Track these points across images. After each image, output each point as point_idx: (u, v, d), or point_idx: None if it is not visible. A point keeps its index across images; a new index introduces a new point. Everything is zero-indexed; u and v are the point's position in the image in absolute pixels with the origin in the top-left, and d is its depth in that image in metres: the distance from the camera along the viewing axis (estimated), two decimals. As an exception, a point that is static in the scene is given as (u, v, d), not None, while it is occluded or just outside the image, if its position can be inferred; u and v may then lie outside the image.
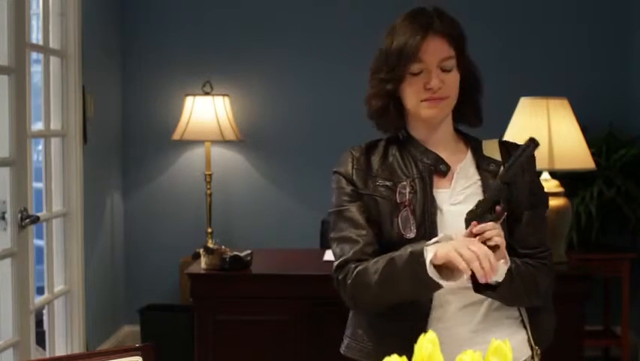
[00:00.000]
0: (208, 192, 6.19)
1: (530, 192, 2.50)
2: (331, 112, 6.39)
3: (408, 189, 2.44)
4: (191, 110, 6.11)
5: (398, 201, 2.43)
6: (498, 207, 2.29)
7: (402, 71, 2.41)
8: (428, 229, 2.39)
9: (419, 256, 2.24)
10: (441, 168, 2.47)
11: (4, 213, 3.79)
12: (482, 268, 2.13)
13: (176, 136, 6.15)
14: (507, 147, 2.56)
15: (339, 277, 2.43)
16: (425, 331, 1.49)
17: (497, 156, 2.52)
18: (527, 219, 2.48)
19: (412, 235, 2.39)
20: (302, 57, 6.43)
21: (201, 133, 6.10)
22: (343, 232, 2.46)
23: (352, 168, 2.51)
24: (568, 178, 5.29)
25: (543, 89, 4.97)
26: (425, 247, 2.24)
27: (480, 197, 2.40)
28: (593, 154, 4.45)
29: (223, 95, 6.21)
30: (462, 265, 2.14)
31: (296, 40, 6.47)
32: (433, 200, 2.43)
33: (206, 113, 6.10)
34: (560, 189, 4.26)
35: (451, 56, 2.43)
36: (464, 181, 2.48)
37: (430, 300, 2.39)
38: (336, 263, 2.46)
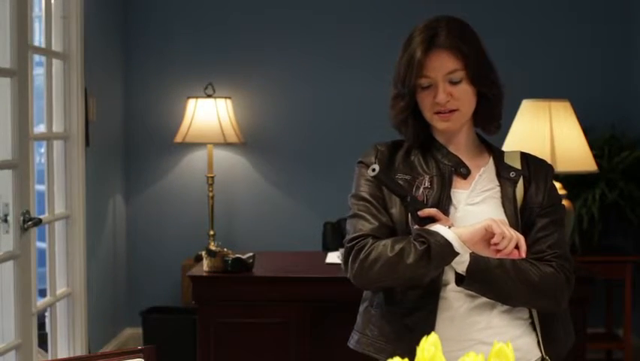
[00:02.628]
0: (210, 194, 6.19)
1: (541, 205, 2.52)
2: (334, 114, 6.39)
3: (425, 184, 2.49)
4: (193, 113, 6.11)
5: (414, 193, 2.46)
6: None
7: (411, 85, 2.44)
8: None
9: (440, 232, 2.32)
10: (461, 171, 2.51)
11: (6, 215, 3.80)
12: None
13: (178, 139, 6.15)
14: (527, 159, 2.59)
15: (355, 249, 2.44)
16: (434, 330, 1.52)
17: (518, 166, 2.55)
18: (539, 227, 2.51)
19: (417, 228, 2.40)
20: (304, 59, 6.43)
21: (203, 135, 6.10)
22: (361, 212, 2.49)
23: (375, 158, 2.54)
24: (570, 181, 5.29)
25: (545, 92, 4.97)
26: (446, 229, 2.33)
27: (498, 202, 2.48)
28: (595, 156, 4.45)
29: (225, 97, 6.21)
30: (498, 230, 2.25)
31: (298, 42, 6.47)
32: (448, 197, 2.46)
33: (209, 115, 6.10)
34: (563, 192, 4.26)
35: (457, 68, 2.42)
36: (484, 184, 2.52)
37: (437, 300, 2.43)
38: (351, 236, 2.47)
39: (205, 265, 4.21)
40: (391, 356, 1.63)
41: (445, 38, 2.44)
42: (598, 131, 5.95)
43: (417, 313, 2.44)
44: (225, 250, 4.26)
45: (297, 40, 6.49)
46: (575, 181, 5.57)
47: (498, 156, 2.58)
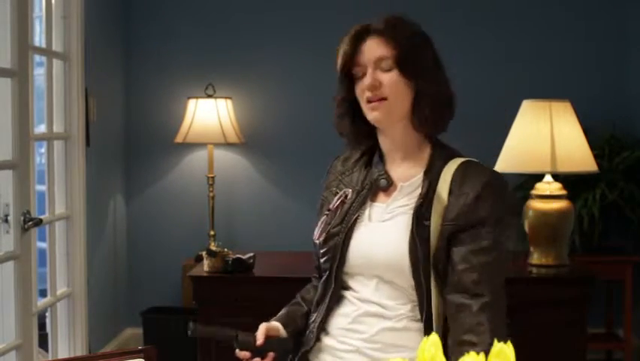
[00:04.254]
0: (211, 194, 6.19)
1: (456, 223, 2.28)
2: (331, 114, 6.38)
3: (341, 198, 2.50)
4: (193, 113, 6.12)
5: (329, 206, 2.52)
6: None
7: (342, 75, 2.43)
8: (339, 239, 2.43)
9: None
10: (380, 183, 2.44)
11: (7, 215, 3.80)
12: None
13: (178, 139, 6.15)
14: (464, 170, 2.35)
15: None
16: None
17: (448, 179, 2.33)
18: (459, 256, 2.26)
19: (319, 240, 2.48)
20: (305, 59, 6.43)
21: (204, 136, 6.11)
22: None
23: (327, 173, 2.64)
24: (570, 181, 5.29)
25: (545, 92, 4.97)
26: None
27: (409, 220, 2.31)
28: (595, 157, 4.45)
29: (225, 97, 6.22)
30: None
31: (299, 42, 6.47)
32: (356, 212, 2.43)
33: (209, 115, 6.10)
34: (563, 192, 4.27)
35: (387, 56, 2.36)
36: (403, 200, 2.39)
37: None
38: None
39: (205, 265, 4.22)
40: None
41: (378, 27, 2.40)
42: (598, 132, 5.94)
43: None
44: (226, 250, 4.26)
45: (297, 40, 6.49)
46: (575, 181, 5.57)
47: (435, 167, 2.39)
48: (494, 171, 2.42)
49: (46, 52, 4.41)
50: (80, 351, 4.63)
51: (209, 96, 6.19)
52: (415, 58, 2.38)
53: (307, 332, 2.54)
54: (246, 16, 6.50)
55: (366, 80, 2.37)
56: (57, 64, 4.53)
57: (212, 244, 5.51)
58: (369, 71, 2.37)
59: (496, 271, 2.27)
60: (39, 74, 4.62)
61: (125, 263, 6.56)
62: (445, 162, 2.39)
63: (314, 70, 6.43)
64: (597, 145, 5.75)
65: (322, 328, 2.49)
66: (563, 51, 6.38)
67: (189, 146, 6.42)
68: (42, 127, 4.55)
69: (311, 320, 2.56)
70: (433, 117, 2.40)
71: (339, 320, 2.46)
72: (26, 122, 3.86)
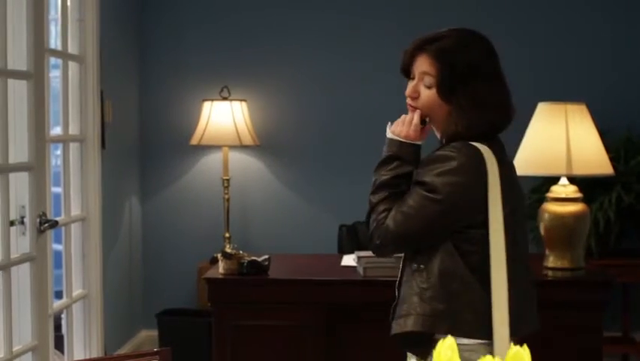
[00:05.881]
0: (226, 196, 6.19)
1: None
2: (349, 116, 6.39)
3: None
4: (208, 115, 6.13)
5: None
6: None
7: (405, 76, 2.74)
8: None
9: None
10: None
11: (23, 217, 3.81)
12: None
13: (193, 141, 6.16)
14: (428, 156, 2.66)
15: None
16: None
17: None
18: None
19: None
20: (319, 62, 6.44)
21: (219, 138, 6.12)
22: None
23: None
24: (586, 184, 5.27)
25: (561, 94, 4.96)
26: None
27: None
28: (611, 159, 4.43)
29: (240, 100, 6.22)
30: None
31: (313, 44, 6.47)
32: None
33: (224, 118, 6.11)
34: (579, 195, 4.25)
35: (429, 72, 2.63)
36: None
37: None
38: None
39: (220, 267, 4.22)
40: None
41: (432, 44, 2.65)
42: (614, 134, 5.92)
43: None
44: (241, 252, 4.26)
45: (312, 42, 6.49)
46: (591, 184, 5.56)
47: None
48: (457, 157, 2.57)
49: (62, 54, 4.42)
50: (96, 353, 4.63)
51: (225, 99, 6.20)
52: (453, 85, 2.61)
53: None
54: (261, 18, 6.50)
55: (407, 88, 2.69)
56: (73, 66, 4.54)
57: (228, 246, 5.51)
58: (414, 82, 2.68)
59: (405, 225, 2.60)
60: (55, 76, 4.63)
61: (141, 265, 6.57)
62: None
63: (329, 72, 6.43)
64: (613, 148, 5.73)
65: None
66: (579, 53, 6.36)
67: (204, 148, 6.43)
68: (58, 129, 4.56)
69: None
70: (463, 130, 2.61)
71: None
72: (42, 124, 3.87)
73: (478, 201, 2.55)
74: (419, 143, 2.69)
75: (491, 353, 2.50)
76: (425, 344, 2.56)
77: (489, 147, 2.60)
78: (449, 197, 2.54)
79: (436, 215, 2.56)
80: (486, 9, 6.33)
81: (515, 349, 1.37)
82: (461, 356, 2.27)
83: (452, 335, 2.23)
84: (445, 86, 2.60)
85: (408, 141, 2.67)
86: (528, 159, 4.30)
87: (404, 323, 2.59)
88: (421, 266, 2.60)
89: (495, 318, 2.52)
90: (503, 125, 2.71)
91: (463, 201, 2.56)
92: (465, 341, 2.51)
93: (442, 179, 2.54)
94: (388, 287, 4.02)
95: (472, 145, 2.57)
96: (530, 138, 4.32)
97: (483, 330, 2.53)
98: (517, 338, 2.53)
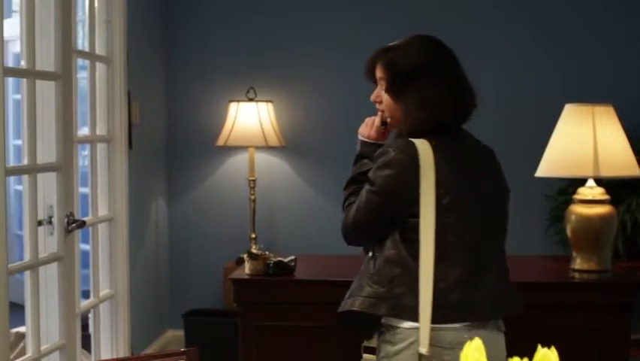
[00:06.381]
0: (252, 197, 6.21)
1: None
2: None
3: None
4: (235, 116, 6.14)
5: None
6: None
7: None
8: None
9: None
10: None
11: (50, 217, 3.83)
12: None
13: (220, 142, 6.17)
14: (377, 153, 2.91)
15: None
16: None
17: None
18: None
19: None
20: (345, 62, 6.43)
21: (245, 139, 6.13)
22: None
23: None
24: (613, 186, 5.24)
25: (588, 96, 4.94)
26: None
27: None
28: (638, 161, 4.40)
29: (267, 101, 6.23)
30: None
31: (339, 45, 6.47)
32: None
33: (250, 119, 6.12)
34: (606, 197, 4.23)
35: (383, 77, 2.94)
36: None
37: None
38: None
39: (247, 267, 4.22)
40: None
41: (385, 52, 2.95)
42: (642, 135, 5.89)
43: None
44: (267, 253, 4.26)
45: (338, 43, 6.49)
46: (618, 186, 5.52)
47: None
48: (392, 152, 2.82)
49: (90, 55, 4.45)
50: (123, 352, 4.66)
51: (251, 100, 6.21)
52: (399, 86, 2.88)
53: None
54: (287, 20, 6.51)
55: (372, 94, 3.04)
56: (100, 67, 4.57)
57: (254, 246, 5.52)
58: (377, 87, 3.00)
59: (355, 216, 2.91)
60: (82, 77, 4.66)
61: (167, 265, 6.60)
62: None
63: (355, 73, 6.41)
64: (640, 149, 5.70)
65: None
66: (606, 55, 6.33)
67: (231, 149, 6.44)
68: (85, 130, 4.59)
69: None
70: (410, 128, 2.85)
71: None
72: (70, 125, 3.90)
73: (413, 192, 2.73)
74: (381, 142, 2.99)
75: (435, 336, 2.69)
76: (368, 324, 2.84)
77: (438, 142, 2.78)
78: (382, 188, 2.80)
79: (375, 206, 2.82)
80: (514, 12, 6.31)
81: (543, 351, 1.37)
82: (402, 339, 2.71)
83: (393, 317, 2.75)
84: (392, 88, 2.89)
85: (371, 141, 3.01)
86: (555, 161, 4.29)
87: (347, 302, 2.88)
88: (376, 254, 2.86)
89: (420, 302, 2.69)
90: (455, 122, 2.90)
91: (397, 193, 2.78)
92: (406, 324, 2.73)
93: (377, 172, 2.81)
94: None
95: (409, 141, 2.79)
96: (557, 140, 4.30)
97: (440, 316, 2.70)
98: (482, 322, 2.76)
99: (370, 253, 2.90)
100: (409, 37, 2.95)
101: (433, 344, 2.67)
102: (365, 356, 2.87)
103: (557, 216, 5.93)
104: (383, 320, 2.79)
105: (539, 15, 6.35)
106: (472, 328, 2.73)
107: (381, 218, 2.82)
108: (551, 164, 4.27)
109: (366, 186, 2.85)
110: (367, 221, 2.86)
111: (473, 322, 2.74)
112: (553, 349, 1.47)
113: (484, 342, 2.14)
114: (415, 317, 2.70)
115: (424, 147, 2.75)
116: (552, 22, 6.36)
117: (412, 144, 2.77)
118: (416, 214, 2.73)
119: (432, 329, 2.68)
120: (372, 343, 2.85)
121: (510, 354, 1.61)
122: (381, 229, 2.83)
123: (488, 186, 2.90)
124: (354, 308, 2.82)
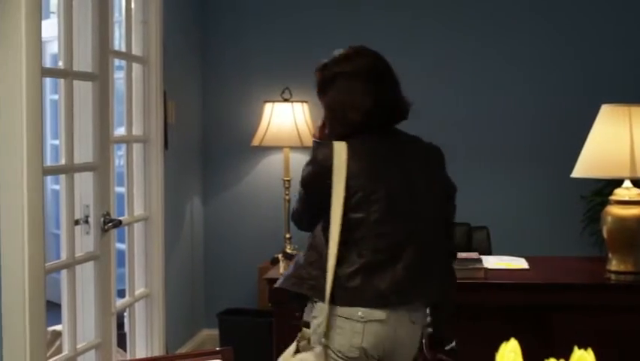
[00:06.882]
0: (286, 197, 6.21)
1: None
2: (410, 117, 6.36)
3: None
4: (270, 117, 6.15)
5: None
6: None
7: None
8: None
9: None
10: None
11: (87, 217, 3.86)
12: None
13: (255, 142, 6.19)
14: None
15: None
16: None
17: None
18: None
19: None
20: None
21: (280, 139, 6.14)
22: None
23: None
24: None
25: (625, 96, 4.91)
26: None
27: None
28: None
29: (302, 101, 6.24)
30: None
31: (373, 45, 6.46)
32: None
33: (285, 119, 6.13)
34: (641, 198, 4.20)
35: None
36: None
37: None
38: None
39: (281, 267, 4.24)
40: None
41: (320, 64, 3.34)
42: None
43: None
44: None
45: (372, 43, 6.47)
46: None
47: None
48: (313, 152, 3.21)
49: (126, 56, 4.47)
50: (158, 351, 4.68)
51: (286, 100, 6.22)
52: (320, 95, 3.27)
53: None
54: (322, 19, 6.51)
55: None
56: (136, 68, 4.59)
57: (288, 246, 5.52)
58: None
59: (294, 206, 3.29)
60: (119, 77, 4.68)
61: (202, 265, 6.62)
62: None
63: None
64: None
65: None
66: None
67: (266, 149, 6.45)
68: (121, 130, 4.61)
69: None
70: (330, 128, 3.24)
71: None
72: (106, 125, 3.93)
73: (327, 188, 3.02)
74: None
75: (346, 311, 3.01)
76: (297, 300, 3.20)
77: (357, 143, 3.09)
78: (303, 183, 3.18)
79: (301, 197, 3.20)
80: (550, 13, 6.28)
81: (580, 352, 1.37)
82: (322, 315, 3.01)
83: (314, 297, 3.09)
84: (318, 93, 3.28)
85: (316, 140, 3.29)
86: (591, 162, 4.26)
87: (280, 281, 3.27)
88: (309, 241, 3.22)
89: (327, 285, 3.01)
90: (367, 124, 3.14)
91: (314, 187, 3.12)
92: (324, 305, 3.02)
93: (303, 169, 3.20)
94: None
95: (326, 143, 3.13)
96: (593, 141, 4.28)
97: (342, 298, 3.00)
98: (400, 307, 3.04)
99: (309, 241, 3.24)
100: (339, 56, 3.42)
101: (338, 325, 3.00)
102: (304, 329, 3.14)
103: (593, 217, 5.90)
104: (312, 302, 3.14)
105: (576, 15, 6.32)
106: (378, 309, 3.01)
107: (308, 209, 3.20)
108: (587, 165, 4.25)
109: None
110: (298, 210, 3.25)
111: (372, 307, 3.00)
112: (590, 351, 1.46)
113: (391, 323, 2.99)
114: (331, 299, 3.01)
115: (339, 148, 3.06)
116: (589, 22, 6.32)
117: (329, 145, 3.10)
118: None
119: (335, 311, 3.01)
120: (309, 318, 3.14)
121: (545, 355, 1.61)
122: (311, 217, 3.20)
123: (419, 183, 3.15)
124: (283, 286, 3.22)
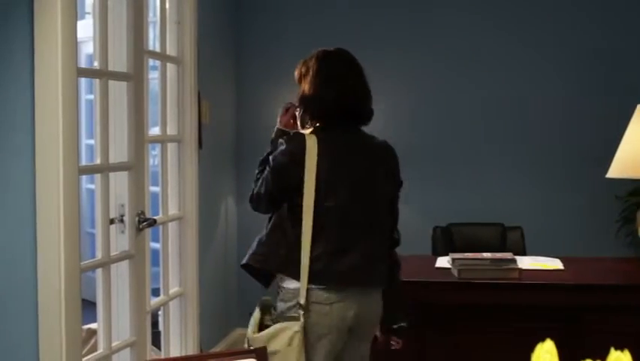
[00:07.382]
0: (320, 197, 6.21)
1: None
2: (440, 118, 6.36)
3: None
4: (303, 116, 6.16)
5: None
6: None
7: None
8: None
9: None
10: None
11: (122, 216, 3.89)
12: None
13: (288, 142, 6.19)
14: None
15: None
16: None
17: None
18: None
19: None
20: (416, 65, 6.42)
21: (314, 139, 6.14)
22: None
23: None
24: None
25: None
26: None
27: None
28: None
29: (335, 101, 6.24)
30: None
31: (409, 49, 6.46)
32: None
33: (319, 119, 6.13)
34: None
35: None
36: None
37: None
38: None
39: (314, 267, 4.23)
40: None
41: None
42: None
43: None
44: (335, 253, 4.26)
45: (406, 43, 6.47)
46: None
47: None
48: (288, 144, 3.42)
49: (161, 56, 4.49)
50: (192, 350, 4.70)
51: (319, 100, 6.22)
52: (298, 84, 3.61)
53: None
54: (356, 19, 6.51)
55: None
56: (171, 68, 4.61)
57: (321, 246, 5.52)
58: None
59: (259, 188, 3.51)
60: (153, 77, 4.70)
61: (236, 264, 6.63)
62: None
63: (418, 72, 6.41)
64: None
65: None
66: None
67: (299, 149, 6.45)
68: (156, 129, 4.63)
69: None
70: (301, 119, 3.56)
71: None
72: (141, 124, 3.95)
73: (298, 176, 3.27)
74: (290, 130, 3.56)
75: (313, 295, 3.28)
76: (263, 276, 3.57)
77: (325, 135, 3.36)
78: (274, 171, 3.41)
79: (267, 182, 3.41)
80: (585, 11, 6.25)
81: (616, 354, 1.36)
82: (290, 298, 3.35)
83: (280, 273, 3.42)
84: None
85: (283, 129, 3.61)
86: (626, 162, 4.24)
87: (246, 257, 3.52)
88: (272, 221, 3.44)
89: (301, 268, 3.28)
90: (333, 117, 3.43)
91: (284, 176, 3.34)
92: (292, 285, 3.34)
93: (275, 157, 3.45)
94: (483, 289, 4.00)
95: (299, 133, 3.42)
96: (629, 141, 4.26)
97: (311, 279, 3.27)
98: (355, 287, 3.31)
99: (268, 219, 3.46)
100: (318, 53, 3.78)
101: (312, 300, 3.26)
102: (264, 300, 3.57)
103: (628, 217, 5.87)
104: (279, 282, 3.45)
105: (609, 14, 6.28)
106: (340, 290, 3.28)
107: (270, 193, 3.40)
108: (623, 165, 4.23)
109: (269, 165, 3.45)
110: (264, 193, 3.42)
111: (336, 287, 3.27)
112: (626, 352, 1.45)
113: (352, 302, 3.28)
114: (295, 276, 3.30)
115: (310, 140, 3.32)
116: (623, 22, 6.28)
117: (301, 135, 3.38)
118: (300, 195, 3.27)
119: (308, 289, 3.27)
120: (269, 302, 3.56)
121: (579, 357, 1.61)
122: (272, 201, 3.41)
123: (378, 175, 3.44)
124: (250, 263, 3.49)
